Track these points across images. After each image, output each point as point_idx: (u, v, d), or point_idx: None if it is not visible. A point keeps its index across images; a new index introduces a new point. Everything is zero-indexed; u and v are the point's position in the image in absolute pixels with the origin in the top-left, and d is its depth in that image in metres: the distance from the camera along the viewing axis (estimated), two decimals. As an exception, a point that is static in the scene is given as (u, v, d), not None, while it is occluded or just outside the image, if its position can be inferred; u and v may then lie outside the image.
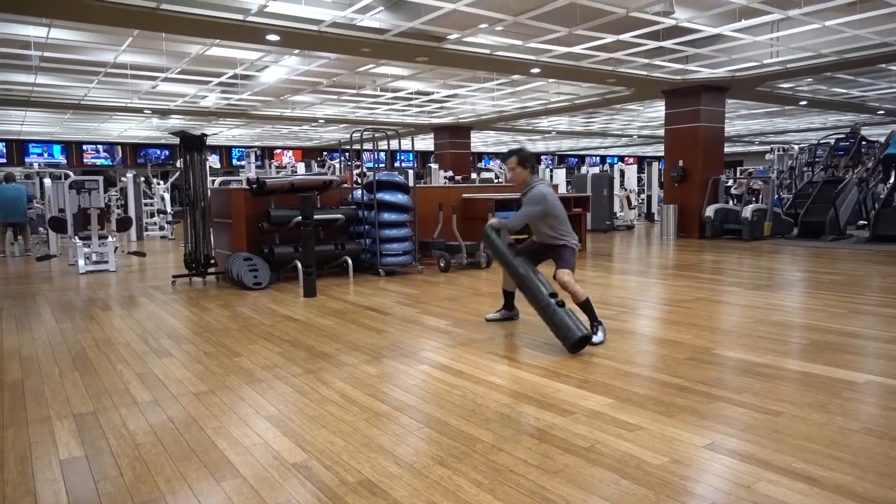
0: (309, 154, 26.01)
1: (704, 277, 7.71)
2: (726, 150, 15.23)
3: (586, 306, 4.38)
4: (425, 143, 23.57)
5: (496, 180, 17.28)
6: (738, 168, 22.67)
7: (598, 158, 32.99)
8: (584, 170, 19.68)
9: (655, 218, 18.02)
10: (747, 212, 12.17)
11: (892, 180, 10.82)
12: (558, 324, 4.13)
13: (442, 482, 2.34)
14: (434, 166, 15.41)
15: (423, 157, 27.85)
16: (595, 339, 4.28)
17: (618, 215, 16.18)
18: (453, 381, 3.57)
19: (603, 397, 3.24)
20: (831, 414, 2.96)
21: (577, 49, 9.95)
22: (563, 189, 16.66)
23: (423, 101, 15.49)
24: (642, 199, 19.52)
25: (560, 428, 2.85)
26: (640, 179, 19.86)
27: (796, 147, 17.16)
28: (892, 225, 10.69)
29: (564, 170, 21.33)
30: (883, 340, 4.39)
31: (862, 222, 12.73)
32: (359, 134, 8.48)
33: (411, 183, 8.87)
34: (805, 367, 3.75)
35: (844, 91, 14.71)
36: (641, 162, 24.67)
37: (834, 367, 3.71)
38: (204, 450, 2.67)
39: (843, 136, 13.15)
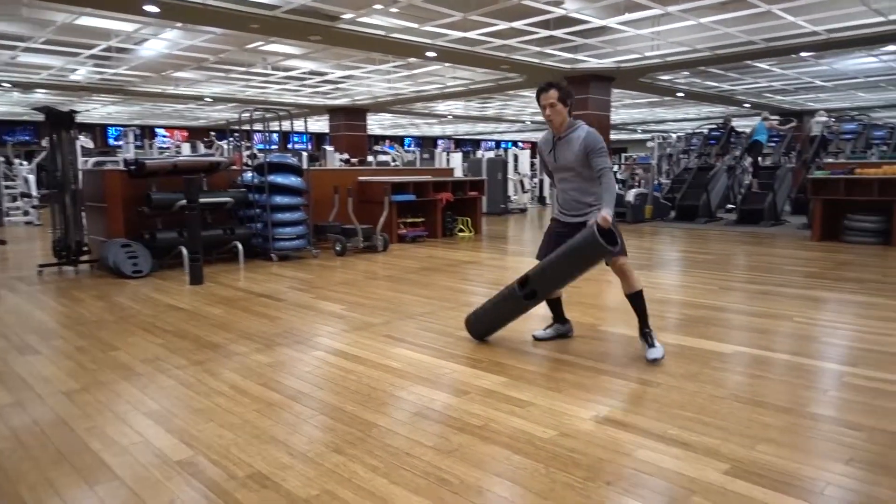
0: (196, 134, 24.65)
1: (592, 259, 8.07)
2: (612, 137, 16.00)
3: (638, 300, 3.60)
4: (320, 124, 23.02)
5: (393, 163, 17.18)
6: (623, 154, 23.90)
7: (493, 143, 33.67)
8: (479, 154, 19.99)
9: (547, 201, 18.67)
10: (631, 196, 12.87)
11: (751, 168, 11.85)
12: (497, 319, 3.89)
13: (337, 469, 2.30)
14: (329, 149, 15.07)
15: (317, 140, 27.19)
16: (655, 354, 3.51)
17: (512, 199, 16.60)
18: (349, 367, 3.52)
19: (496, 376, 3.32)
20: (702, 383, 3.20)
21: (471, 34, 10.05)
22: (458, 172, 16.86)
23: (317, 82, 15.08)
24: (535, 183, 20.15)
25: (455, 408, 2.89)
26: (532, 164, 20.47)
27: (674, 136, 18.32)
28: (754, 208, 11.70)
29: (460, 154, 21.56)
30: (747, 314, 4.79)
31: (730, 206, 13.85)
32: (249, 114, 8.12)
33: (305, 165, 8.62)
34: (680, 340, 4.03)
35: (716, 84, 15.87)
36: (535, 147, 25.41)
37: (705, 340, 4.01)
38: (75, 452, 2.47)
39: (714, 126, 14.19)
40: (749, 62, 12.68)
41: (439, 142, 32.21)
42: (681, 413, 2.81)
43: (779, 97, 18.47)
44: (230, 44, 10.86)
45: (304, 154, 9.39)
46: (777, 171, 12.28)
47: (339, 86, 15.81)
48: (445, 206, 10.07)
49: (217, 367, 3.55)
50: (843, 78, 15.10)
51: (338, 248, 8.14)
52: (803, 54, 11.70)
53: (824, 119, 12.79)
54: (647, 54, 11.62)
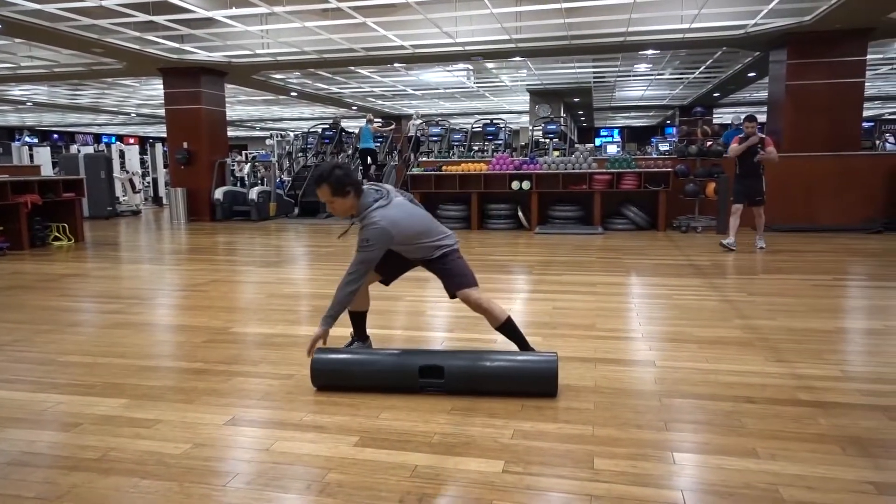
0: None
1: (218, 259, 7.82)
2: (231, 133, 15.66)
3: (511, 328, 3.20)
4: None
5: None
6: (244, 151, 23.64)
7: (91, 137, 29.49)
8: (74, 149, 17.35)
9: (164, 201, 17.28)
10: (254, 194, 12.83)
11: (372, 168, 13.07)
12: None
13: None
14: None
15: None
16: None
17: (121, 200, 14.89)
18: None
19: (114, 399, 2.96)
20: (332, 367, 3.41)
21: (49, 7, 8.58)
22: (48, 171, 14.35)
23: None
24: (148, 182, 18.44)
25: (63, 445, 2.48)
26: (143, 161, 18.65)
27: (292, 134, 18.88)
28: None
29: (49, 148, 18.35)
30: (372, 298, 5.25)
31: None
32: None
33: None
34: (311, 330, 4.20)
35: (326, 87, 16.88)
36: (144, 142, 23.21)
37: (338, 327, 4.26)
38: None
39: (327, 126, 15.09)
40: (353, 68, 13.83)
41: (18, 137, 26.77)
42: (314, 399, 2.95)
43: (380, 101, 20.66)
44: None
45: None
46: (384, 169, 13.75)
47: None
48: (32, 211, 8.46)
49: None
50: (428, 88, 17.71)
51: None
52: (396, 65, 13.30)
53: (417, 122, 14.80)
54: (258, 52, 11.67)
